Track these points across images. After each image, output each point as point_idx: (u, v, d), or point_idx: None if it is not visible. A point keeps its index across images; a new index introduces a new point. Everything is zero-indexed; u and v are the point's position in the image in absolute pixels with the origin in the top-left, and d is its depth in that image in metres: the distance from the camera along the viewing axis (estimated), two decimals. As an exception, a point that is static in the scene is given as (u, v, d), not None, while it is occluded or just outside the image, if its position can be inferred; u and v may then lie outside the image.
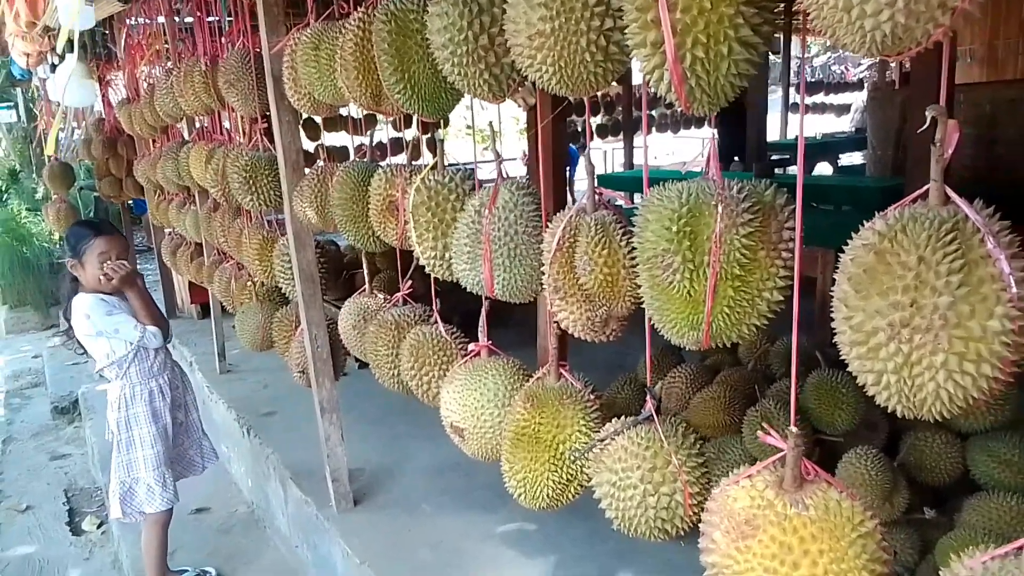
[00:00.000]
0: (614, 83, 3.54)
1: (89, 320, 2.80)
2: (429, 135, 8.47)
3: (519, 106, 2.11)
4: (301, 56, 2.00)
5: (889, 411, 0.95)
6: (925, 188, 0.93)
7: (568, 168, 10.89)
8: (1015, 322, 0.84)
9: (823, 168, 9.98)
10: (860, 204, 5.48)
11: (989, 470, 2.24)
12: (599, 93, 8.19)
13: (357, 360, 3.21)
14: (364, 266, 2.38)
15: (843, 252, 0.97)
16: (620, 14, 1.08)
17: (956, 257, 0.84)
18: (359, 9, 1.73)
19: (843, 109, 12.29)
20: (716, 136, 1.20)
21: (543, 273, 1.45)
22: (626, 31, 1.01)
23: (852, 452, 2.21)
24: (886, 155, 6.23)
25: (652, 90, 1.05)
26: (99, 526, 4.06)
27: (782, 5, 0.95)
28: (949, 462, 2.29)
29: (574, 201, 1.50)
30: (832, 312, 0.98)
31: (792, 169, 8.90)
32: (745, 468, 1.16)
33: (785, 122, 10.72)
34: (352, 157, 4.18)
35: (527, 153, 4.10)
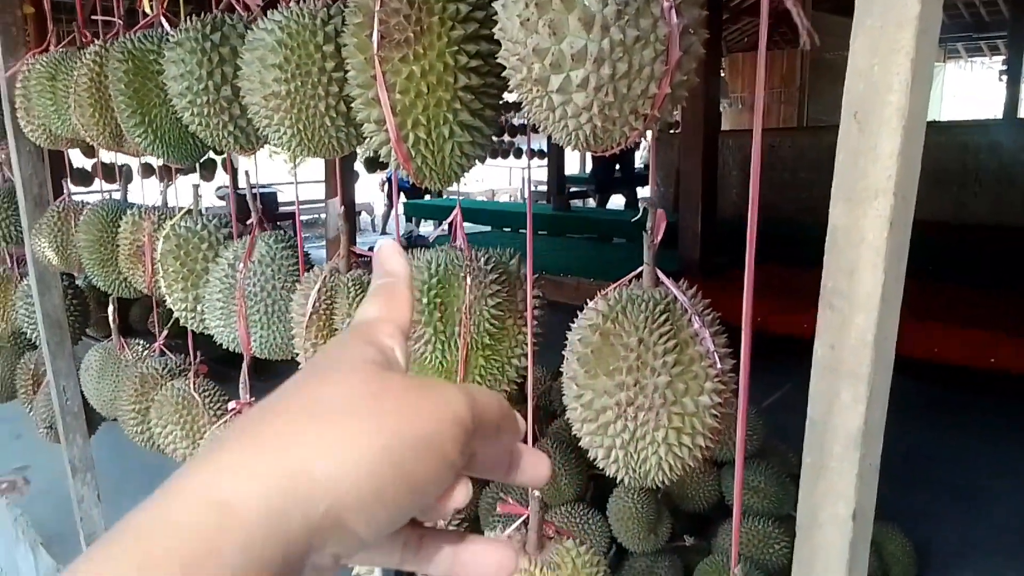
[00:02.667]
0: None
1: None
2: (208, 155, 8.02)
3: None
4: (35, 85, 1.79)
5: (617, 480, 1.01)
6: (639, 270, 0.98)
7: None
8: (722, 395, 0.92)
9: (618, 201, 10.63)
10: (634, 238, 5.89)
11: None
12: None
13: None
14: (111, 312, 2.16)
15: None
16: (355, 83, 1.06)
17: (670, 337, 0.90)
18: (96, 42, 1.58)
19: (636, 145, 13.20)
20: (460, 203, 1.21)
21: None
22: (353, 105, 0.99)
23: (621, 486, 2.32)
24: (668, 192, 6.74)
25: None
26: None
27: (502, 93, 0.97)
28: (707, 490, 2.47)
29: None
30: (564, 372, 1.01)
31: (590, 202, 9.41)
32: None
33: (584, 157, 11.32)
34: (135, 178, 3.85)
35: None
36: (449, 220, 1.29)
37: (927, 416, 4.04)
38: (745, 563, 2.19)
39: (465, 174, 1.01)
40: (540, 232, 7.06)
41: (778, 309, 3.83)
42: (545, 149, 9.44)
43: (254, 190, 1.66)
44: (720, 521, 2.43)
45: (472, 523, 2.22)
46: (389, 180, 11.61)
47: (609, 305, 0.92)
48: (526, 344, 1.22)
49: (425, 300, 1.15)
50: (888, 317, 0.68)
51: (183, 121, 1.34)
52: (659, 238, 0.93)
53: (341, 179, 2.31)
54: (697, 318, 0.91)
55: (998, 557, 3.02)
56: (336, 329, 1.34)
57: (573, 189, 8.93)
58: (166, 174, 1.84)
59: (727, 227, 5.43)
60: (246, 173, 1.56)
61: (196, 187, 1.71)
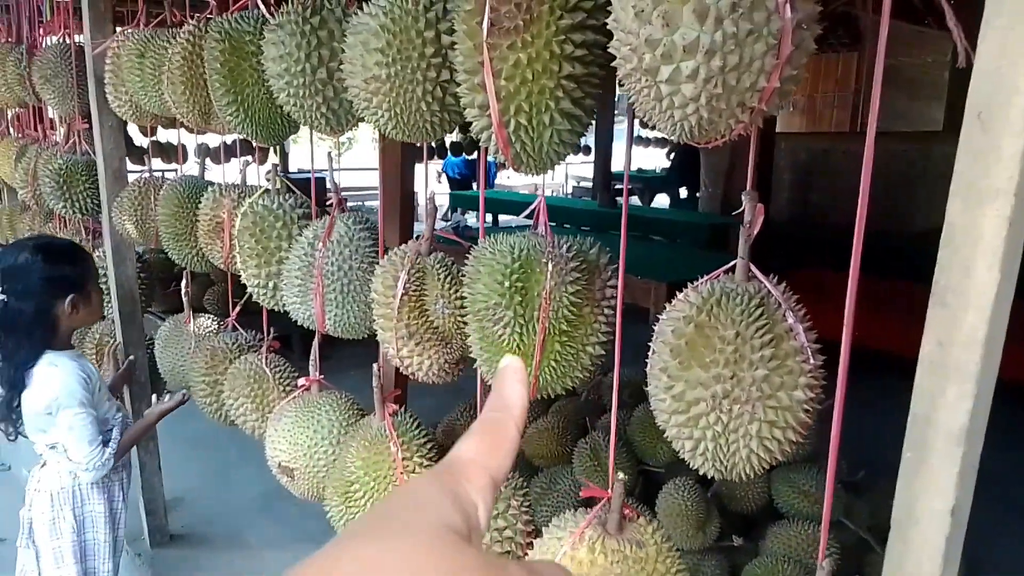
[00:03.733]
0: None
1: (52, 393, 1.95)
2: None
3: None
4: (126, 62, 1.86)
5: (701, 472, 1.01)
6: (731, 264, 0.99)
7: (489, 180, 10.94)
8: (814, 391, 0.93)
9: (663, 200, 10.55)
10: (694, 239, 5.84)
11: (790, 500, 2.43)
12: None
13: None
14: (185, 283, 2.22)
15: (677, 284, 1.02)
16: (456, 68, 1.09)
17: (766, 332, 0.91)
18: (191, 21, 1.63)
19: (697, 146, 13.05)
20: (543, 195, 1.22)
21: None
22: (458, 90, 1.02)
23: (671, 483, 2.33)
24: (716, 193, 6.69)
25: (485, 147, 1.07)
26: None
27: (602, 81, 0.99)
28: (756, 492, 2.46)
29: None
30: (650, 363, 1.02)
31: (635, 200, 9.36)
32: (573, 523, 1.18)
33: (630, 153, 11.25)
34: (192, 158, 3.95)
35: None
36: (532, 209, 1.31)
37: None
38: (794, 566, 2.18)
39: (561, 161, 1.03)
40: (584, 228, 7.05)
41: (833, 316, 3.78)
42: (592, 145, 9.43)
43: (307, 175, 1.71)
44: (768, 523, 2.43)
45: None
46: (446, 171, 11.67)
47: (703, 298, 0.94)
48: (601, 333, 1.23)
49: (507, 284, 1.17)
50: (999, 316, 0.68)
51: (277, 101, 1.39)
52: (756, 231, 0.94)
53: (402, 167, 2.34)
54: (791, 313, 0.92)
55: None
56: (426, 311, 1.36)
57: (618, 186, 8.89)
58: (247, 154, 1.89)
59: (779, 230, 5.38)
60: (328, 156, 1.60)
61: (275, 166, 1.76)
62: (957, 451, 0.70)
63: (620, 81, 0.88)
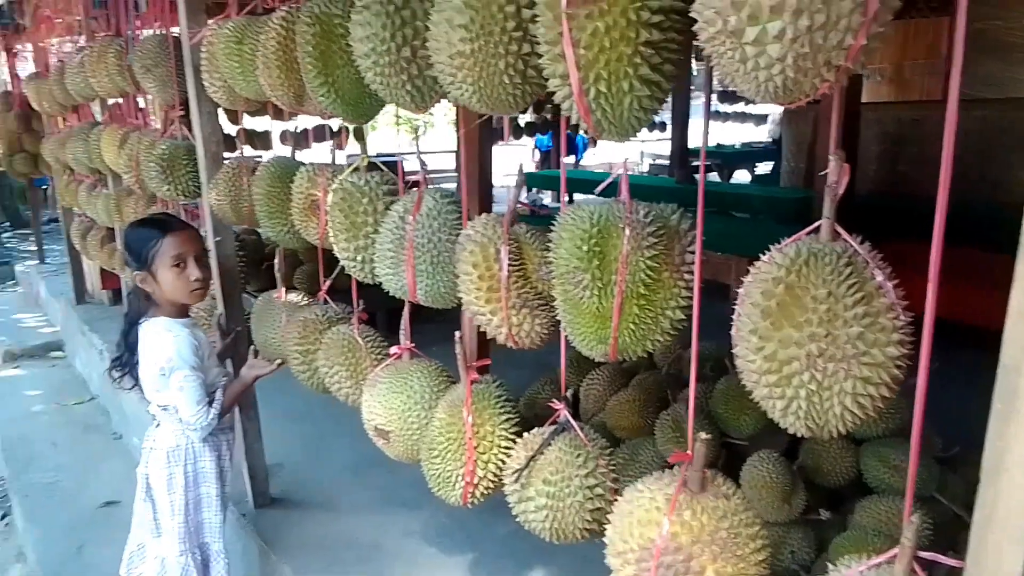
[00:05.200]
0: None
1: (165, 358, 2.13)
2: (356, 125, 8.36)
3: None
4: (223, 49, 1.96)
5: (790, 432, 1.02)
6: (818, 224, 1.00)
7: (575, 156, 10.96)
8: (905, 347, 0.93)
9: (741, 176, 10.31)
10: (775, 214, 5.69)
11: (880, 474, 2.38)
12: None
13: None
14: (278, 260, 2.34)
15: (757, 260, 1.03)
16: (537, 40, 1.12)
17: (857, 289, 0.92)
18: (283, 7, 1.71)
19: (762, 119, 12.71)
20: (625, 163, 1.25)
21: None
22: (540, 61, 1.05)
23: (756, 455, 2.32)
24: (799, 167, 6.49)
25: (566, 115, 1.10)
26: (2, 518, 3.91)
27: (682, 46, 1.00)
28: (844, 466, 2.42)
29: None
30: (736, 326, 1.03)
31: (713, 176, 9.18)
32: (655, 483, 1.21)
33: (707, 128, 11.01)
34: (276, 143, 4.13)
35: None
36: (608, 182, 1.34)
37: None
38: (884, 540, 2.15)
39: (643, 127, 1.05)
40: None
41: (922, 287, 3.65)
42: (667, 122, 9.27)
43: (385, 158, 1.78)
44: (857, 498, 2.39)
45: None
46: (538, 148, 11.65)
47: (790, 258, 0.94)
48: (681, 297, 1.25)
49: (585, 248, 1.21)
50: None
51: (364, 80, 1.45)
52: (841, 190, 0.94)
53: (480, 144, 2.38)
54: (879, 271, 0.92)
55: None
56: (528, 279, 1.40)
57: (695, 163, 8.74)
58: (337, 135, 1.96)
59: (864, 204, 5.18)
60: (415, 133, 1.66)
61: (363, 143, 1.83)
62: (1049, 402, 0.70)
63: (699, 48, 0.89)
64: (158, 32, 2.68)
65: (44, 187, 8.02)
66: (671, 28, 0.98)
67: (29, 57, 5.70)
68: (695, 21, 0.93)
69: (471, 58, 1.16)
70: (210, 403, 2.19)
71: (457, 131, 4.68)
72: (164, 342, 2.14)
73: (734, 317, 1.03)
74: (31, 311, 6.80)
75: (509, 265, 1.36)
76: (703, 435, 1.12)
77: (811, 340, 0.91)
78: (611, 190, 1.32)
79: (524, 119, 10.94)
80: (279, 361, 2.32)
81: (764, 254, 1.02)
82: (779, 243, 1.02)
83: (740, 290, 1.02)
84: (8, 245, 10.27)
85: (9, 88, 6.09)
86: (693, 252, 1.22)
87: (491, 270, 1.37)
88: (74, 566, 3.17)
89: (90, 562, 3.17)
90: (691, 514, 1.08)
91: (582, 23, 0.98)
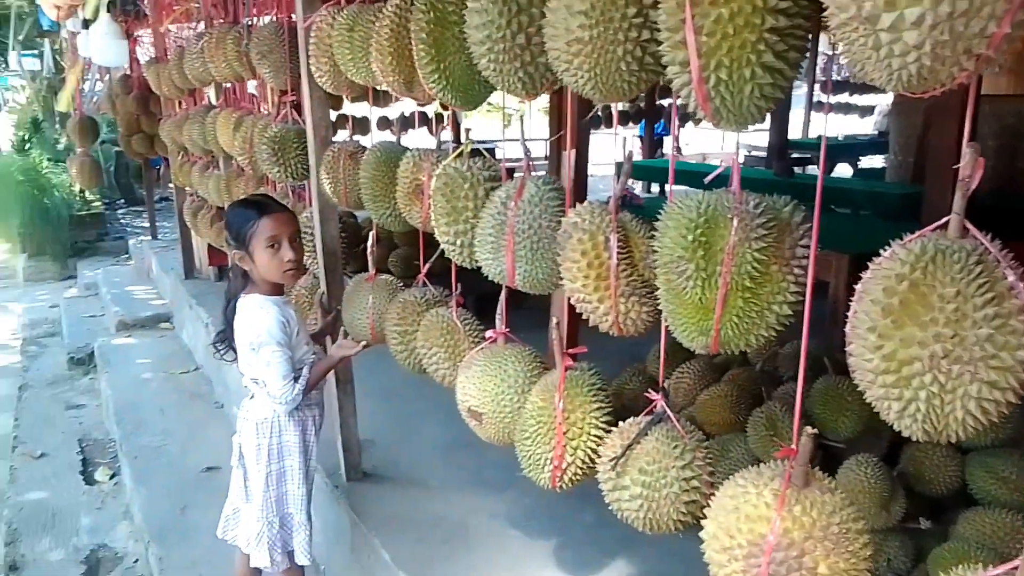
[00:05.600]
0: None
1: (256, 334, 2.24)
2: (449, 110, 8.50)
3: None
4: (336, 36, 2.03)
5: (904, 435, 0.98)
6: (945, 220, 0.96)
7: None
8: None
9: (843, 170, 9.91)
10: (880, 210, 5.46)
11: (987, 485, 2.28)
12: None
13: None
14: (371, 243, 2.42)
15: (861, 257, 1.00)
16: (658, 26, 1.11)
17: (987, 289, 0.88)
18: (396, -4, 1.76)
19: (867, 110, 12.15)
20: (737, 153, 1.23)
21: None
22: (660, 48, 1.05)
23: (853, 459, 2.26)
24: (907, 161, 6.19)
25: (683, 103, 1.09)
26: (111, 477, 4.17)
27: (808, 33, 0.98)
28: (948, 475, 2.33)
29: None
30: (851, 323, 1.00)
31: (812, 169, 8.86)
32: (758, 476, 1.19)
33: (808, 120, 10.62)
34: (373, 129, 4.23)
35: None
36: (717, 173, 1.32)
37: None
38: (988, 554, 2.05)
39: (764, 116, 1.03)
40: (758, 198, 6.74)
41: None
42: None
43: (482, 145, 1.81)
44: (959, 508, 2.29)
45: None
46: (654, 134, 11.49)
47: (915, 255, 0.91)
48: (789, 292, 1.22)
49: (690, 237, 1.20)
50: None
51: (478, 67, 1.48)
52: (974, 185, 0.90)
53: (575, 133, 2.39)
54: (1011, 271, 0.88)
55: None
56: (635, 267, 1.39)
57: (794, 155, 8.45)
58: (439, 122, 2.01)
59: (980, 202, 4.90)
60: (520, 121, 1.68)
61: (467, 131, 1.86)
62: None
63: (831, 33, 0.87)
64: (273, 19, 2.79)
65: (158, 167, 8.49)
66: (798, 14, 0.96)
67: (146, 41, 6.02)
68: (822, 7, 0.91)
69: (589, 44, 1.17)
70: (296, 379, 2.28)
71: (551, 120, 4.69)
72: (256, 318, 2.25)
73: (849, 314, 1.00)
74: (143, 284, 7.21)
75: (619, 254, 1.36)
76: (809, 429, 1.10)
77: (936, 340, 0.88)
78: (723, 183, 1.29)
79: (618, 107, 10.83)
80: (364, 343, 2.39)
81: (867, 251, 0.99)
82: (882, 239, 0.98)
83: (857, 286, 0.99)
84: (123, 221, 10.92)
85: (129, 72, 6.45)
86: (804, 246, 1.19)
87: (600, 258, 1.37)
88: (176, 526, 3.36)
89: (191, 523, 3.35)
90: (801, 509, 1.07)
91: (705, 10, 0.98)
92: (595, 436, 1.58)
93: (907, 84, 0.83)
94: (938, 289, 0.88)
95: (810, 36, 0.99)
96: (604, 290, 1.37)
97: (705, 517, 1.26)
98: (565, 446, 1.59)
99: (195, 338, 5.34)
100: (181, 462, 3.97)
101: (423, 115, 7.27)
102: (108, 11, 4.20)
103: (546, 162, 5.69)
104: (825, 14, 0.87)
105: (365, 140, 2.52)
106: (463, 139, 1.87)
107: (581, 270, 1.37)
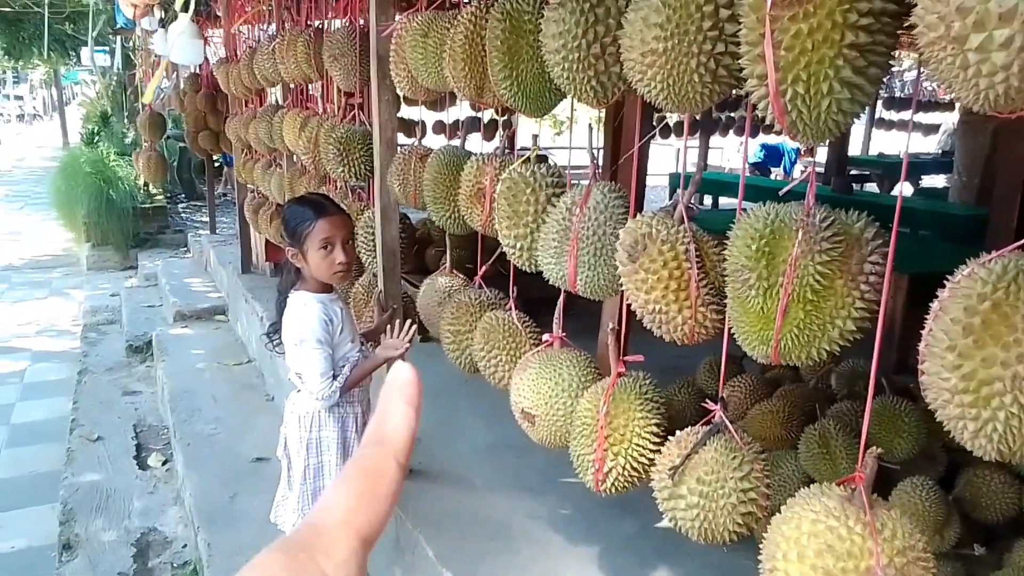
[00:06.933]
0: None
1: (299, 330, 2.31)
2: (505, 117, 8.57)
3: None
4: (409, 41, 2.09)
5: (977, 455, 0.96)
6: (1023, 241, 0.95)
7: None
8: None
9: (903, 188, 9.69)
10: (942, 231, 5.34)
11: (1047, 515, 2.22)
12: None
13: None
14: (447, 246, 2.48)
15: (921, 277, 1.00)
16: (732, 39, 1.13)
17: None
18: (473, 3, 1.80)
19: (931, 128, 11.85)
20: (814, 164, 1.23)
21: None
22: (739, 61, 1.06)
23: (908, 481, 2.22)
24: (972, 182, 6.04)
25: (760, 115, 1.10)
26: (164, 463, 4.30)
27: (891, 50, 0.98)
28: (1005, 502, 2.28)
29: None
30: (926, 342, 1.00)
31: (870, 187, 8.70)
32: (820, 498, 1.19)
33: (868, 136, 10.43)
34: (428, 133, 4.31)
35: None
36: (793, 184, 1.32)
37: None
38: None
39: (841, 130, 1.04)
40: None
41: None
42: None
43: (539, 151, 1.83)
44: (1015, 537, 2.23)
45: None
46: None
47: (997, 274, 0.91)
48: (855, 308, 1.22)
49: (755, 247, 1.21)
50: None
51: (548, 75, 1.51)
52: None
53: (638, 143, 2.40)
54: (1097, 293, 0.88)
55: None
56: (708, 276, 1.40)
57: (853, 172, 8.31)
58: (504, 127, 2.04)
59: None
60: (589, 128, 1.70)
61: (535, 136, 1.90)
62: None
63: (919, 51, 0.88)
64: (345, 23, 2.87)
65: (231, 164, 8.73)
66: (880, 31, 0.97)
67: (217, 42, 6.20)
68: (905, 24, 0.92)
69: (663, 56, 1.19)
70: (334, 377, 2.33)
71: (606, 129, 4.72)
72: (300, 315, 2.31)
73: (924, 333, 1.00)
74: (200, 276, 7.42)
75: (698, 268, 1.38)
76: (875, 450, 1.10)
77: (1019, 361, 0.87)
78: (766, 194, 1.30)
79: (675, 119, 10.75)
80: (407, 345, 2.43)
81: (926, 271, 0.98)
82: (942, 260, 0.98)
83: (934, 304, 0.99)
84: (183, 215, 11.24)
85: (198, 71, 6.66)
86: (874, 263, 1.19)
87: (681, 268, 1.37)
88: (225, 513, 3.45)
89: (240, 510, 3.44)
90: (891, 533, 1.06)
91: (785, 25, 0.99)
92: (637, 444, 1.59)
93: (994, 104, 0.83)
94: (1021, 310, 0.88)
95: (893, 53, 1.00)
96: (683, 300, 1.37)
97: (760, 529, 1.26)
98: (607, 451, 1.61)
99: (249, 331, 5.47)
100: (232, 451, 4.07)
101: (477, 120, 7.33)
102: (188, 10, 4.36)
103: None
104: (914, 32, 0.87)
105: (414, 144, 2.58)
106: (530, 145, 1.90)
107: (661, 280, 1.37)
